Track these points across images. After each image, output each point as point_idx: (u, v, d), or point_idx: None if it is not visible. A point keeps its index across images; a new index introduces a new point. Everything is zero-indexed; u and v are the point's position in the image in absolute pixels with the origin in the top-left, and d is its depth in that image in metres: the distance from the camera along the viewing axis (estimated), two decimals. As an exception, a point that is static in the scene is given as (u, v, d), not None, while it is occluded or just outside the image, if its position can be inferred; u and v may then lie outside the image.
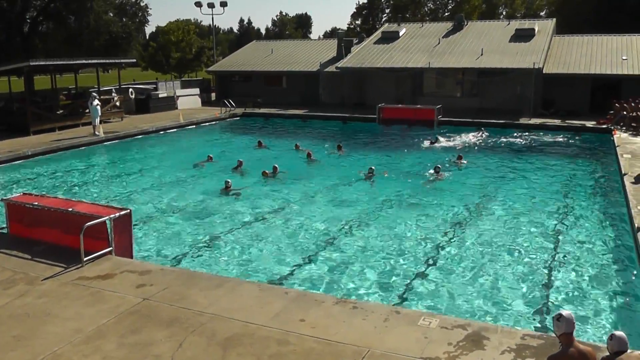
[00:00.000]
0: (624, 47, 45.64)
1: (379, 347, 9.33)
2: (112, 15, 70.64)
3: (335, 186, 24.28)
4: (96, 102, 34.30)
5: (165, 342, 9.52)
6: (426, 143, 33.64)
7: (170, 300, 11.10)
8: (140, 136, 36.13)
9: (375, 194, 22.95)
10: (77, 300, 11.11)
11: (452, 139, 34.71)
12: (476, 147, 33.07)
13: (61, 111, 37.60)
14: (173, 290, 11.53)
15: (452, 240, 17.25)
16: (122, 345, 9.47)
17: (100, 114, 34.54)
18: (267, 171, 25.20)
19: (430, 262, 15.49)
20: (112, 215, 13.42)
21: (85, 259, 12.76)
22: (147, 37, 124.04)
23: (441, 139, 34.08)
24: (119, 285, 11.83)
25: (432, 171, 25.65)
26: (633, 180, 21.40)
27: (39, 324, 10.22)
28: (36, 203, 14.78)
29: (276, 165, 25.75)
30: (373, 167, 25.75)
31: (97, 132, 33.84)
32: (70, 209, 14.02)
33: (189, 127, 40.58)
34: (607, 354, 7.37)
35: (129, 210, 13.97)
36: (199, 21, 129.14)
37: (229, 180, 23.06)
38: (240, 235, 17.77)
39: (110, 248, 13.46)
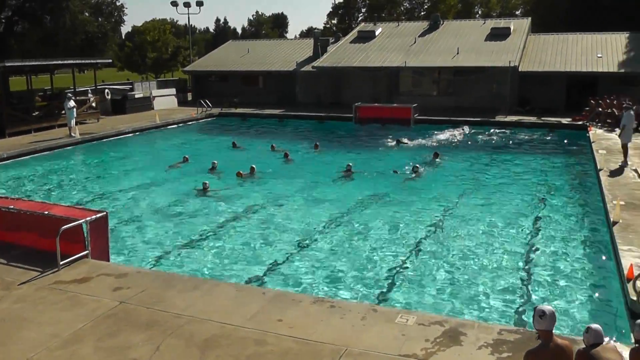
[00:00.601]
0: (599, 45, 46.16)
1: (357, 345, 9.37)
2: (88, 15, 70.27)
3: (312, 185, 24.36)
4: (72, 103, 33.99)
5: (143, 346, 9.50)
6: (393, 143, 33.68)
7: (147, 303, 11.06)
8: (116, 137, 35.92)
9: (353, 192, 22.99)
10: (53, 305, 11.04)
11: (426, 137, 34.87)
12: (453, 145, 33.24)
13: (37, 113, 37.26)
14: (150, 293, 11.50)
15: (429, 238, 17.34)
16: (99, 349, 9.43)
17: (75, 115, 34.25)
18: (242, 172, 25.14)
19: (408, 259, 15.55)
20: (88, 218, 13.32)
21: (61, 262, 12.66)
22: (123, 37, 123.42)
23: (406, 139, 33.94)
24: (96, 288, 11.77)
25: (409, 169, 25.77)
26: (609, 174, 21.67)
27: (15, 329, 10.14)
28: (11, 207, 14.65)
29: (253, 166, 25.74)
30: (350, 164, 25.81)
31: (73, 134, 33.57)
32: (46, 212, 13.93)
33: (166, 127, 40.42)
34: (584, 346, 7.45)
35: (105, 213, 13.89)
36: (175, 21, 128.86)
37: (207, 182, 23.04)
38: (217, 236, 17.76)
39: (87, 251, 13.35)
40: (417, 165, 25.95)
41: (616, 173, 22.45)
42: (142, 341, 9.64)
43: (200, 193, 22.61)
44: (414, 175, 25.14)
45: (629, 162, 23.98)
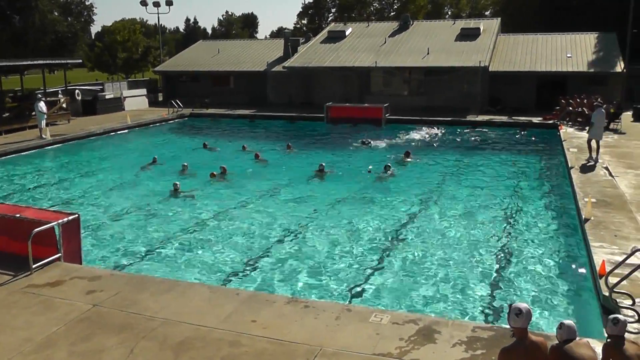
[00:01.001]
0: (569, 45, 46.79)
1: (331, 345, 9.41)
2: (57, 14, 69.59)
3: (285, 185, 24.42)
4: (42, 104, 33.63)
5: (117, 349, 9.47)
6: (358, 143, 33.50)
7: (121, 305, 11.02)
8: (87, 138, 35.64)
9: (326, 192, 23.06)
10: (26, 309, 10.96)
11: (396, 137, 35.03)
12: (424, 144, 33.42)
13: (7, 114, 36.84)
14: (123, 296, 11.45)
15: (402, 237, 17.44)
16: (73, 354, 9.38)
17: (46, 116, 33.89)
18: (214, 172, 25.09)
19: (381, 259, 15.64)
20: (60, 221, 13.22)
21: (33, 266, 12.55)
22: (93, 37, 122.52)
23: (370, 140, 33.68)
24: (69, 292, 11.70)
25: (383, 169, 25.88)
26: (580, 172, 21.95)
27: (-13, 334, 10.07)
28: (-18, 210, 14.52)
29: (224, 166, 25.69)
30: (324, 164, 25.87)
31: (43, 135, 33.22)
32: (17, 215, 13.80)
33: (137, 128, 40.17)
34: (557, 342, 7.56)
35: (77, 215, 13.82)
36: (145, 20, 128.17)
37: (177, 183, 22.98)
38: (190, 237, 17.71)
39: (59, 254, 13.26)
40: (389, 164, 26.05)
41: (587, 171, 22.74)
42: (115, 344, 9.60)
43: (172, 194, 22.54)
44: (387, 174, 25.24)
45: (599, 160, 24.41)
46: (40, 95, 35.26)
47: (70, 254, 13.58)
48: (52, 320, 10.47)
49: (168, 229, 18.54)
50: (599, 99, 31.65)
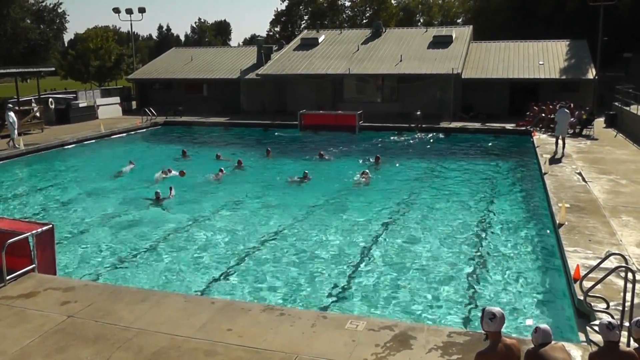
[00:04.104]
0: (540, 52, 47.34)
1: (308, 352, 9.46)
2: (29, 22, 68.99)
3: (263, 191, 24.71)
4: (12, 114, 33.20)
5: (92, 360, 9.44)
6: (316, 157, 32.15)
7: (95, 316, 10.97)
8: (61, 147, 35.37)
9: (304, 199, 23.23)
10: (-1, 321, 10.90)
11: (371, 144, 35.25)
12: (398, 151, 33.60)
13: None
14: (98, 306, 11.40)
15: (377, 242, 17.59)
16: (48, 365, 9.34)
17: (17, 125, 33.44)
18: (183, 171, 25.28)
19: (357, 264, 15.73)
20: (34, 231, 13.11)
21: (7, 277, 12.46)
22: (66, 45, 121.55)
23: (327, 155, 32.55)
24: (43, 303, 11.63)
25: (358, 175, 26.01)
26: (553, 177, 22.17)
27: (-40, 346, 9.98)
28: (-46, 221, 14.39)
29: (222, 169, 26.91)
30: (307, 171, 26.17)
31: (16, 145, 32.79)
32: (-10, 226, 13.71)
33: (111, 137, 39.92)
34: (532, 346, 7.65)
35: (51, 225, 13.73)
36: (117, 28, 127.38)
37: (159, 191, 22.91)
38: (165, 245, 17.69)
39: (33, 265, 13.17)
40: (366, 170, 26.29)
41: (561, 176, 22.98)
42: (90, 355, 9.57)
43: (152, 203, 22.49)
44: (363, 180, 25.38)
45: (564, 155, 27.30)
46: (10, 105, 34.80)
47: (45, 265, 13.49)
48: (26, 332, 10.40)
49: (143, 237, 18.50)
50: (563, 102, 32.77)
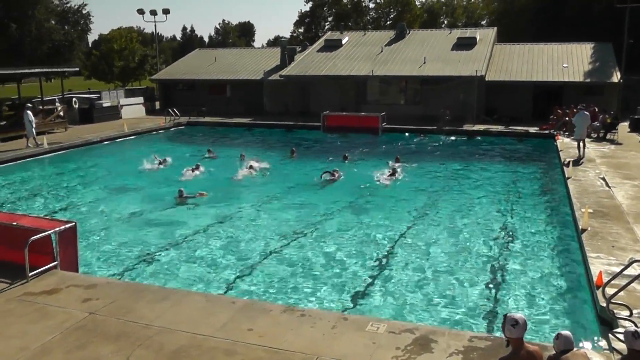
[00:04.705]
0: (565, 55, 46.88)
1: (328, 354, 9.42)
2: (54, 23, 69.52)
3: (287, 191, 24.80)
4: (30, 113, 33.32)
5: (112, 357, 9.46)
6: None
7: (117, 314, 11.02)
8: (84, 147, 35.61)
9: (328, 199, 23.25)
10: (22, 317, 10.95)
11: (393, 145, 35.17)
12: (421, 153, 33.49)
13: (4, 122, 36.79)
14: (119, 304, 11.44)
15: (399, 244, 17.47)
16: (69, 361, 9.38)
17: (34, 125, 33.53)
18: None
19: (380, 266, 15.67)
20: (57, 229, 13.22)
21: (30, 274, 12.55)
22: (90, 45, 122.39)
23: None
24: (65, 300, 11.69)
25: (380, 174, 26.35)
26: (577, 182, 21.96)
27: (-18, 342, 10.05)
28: (-22, 218, 14.50)
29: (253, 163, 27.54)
30: (337, 169, 26.47)
31: (33, 143, 32.88)
32: (14, 223, 13.80)
33: (134, 136, 40.14)
34: (554, 352, 7.55)
35: (74, 223, 13.81)
36: (141, 29, 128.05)
37: (182, 189, 22.97)
38: (188, 244, 17.73)
39: (56, 262, 13.26)
40: (389, 171, 26.69)
41: (584, 181, 22.74)
42: (111, 352, 9.60)
43: (176, 200, 22.58)
44: (386, 180, 25.82)
45: (583, 157, 27.52)
46: (29, 105, 35.00)
47: (67, 262, 13.57)
48: (48, 329, 10.46)
49: (166, 236, 18.56)
50: (580, 105, 32.64)
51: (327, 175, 26.10)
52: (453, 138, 38.04)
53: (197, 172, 27.48)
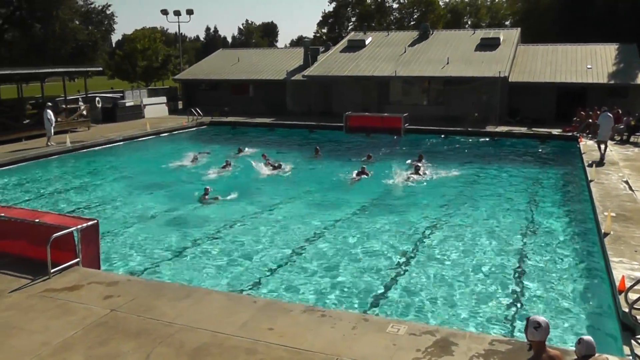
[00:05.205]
0: (589, 56, 46.44)
1: (348, 354, 9.37)
2: (77, 23, 70.04)
3: (313, 191, 24.89)
4: (50, 112, 33.62)
5: (133, 354, 9.48)
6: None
7: (138, 311, 11.05)
8: (107, 145, 35.84)
9: (355, 198, 23.26)
10: (43, 313, 11.02)
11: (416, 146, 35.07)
12: (443, 154, 33.33)
13: (27, 121, 37.12)
14: (140, 301, 11.48)
15: (421, 245, 17.41)
16: (90, 358, 9.40)
17: (53, 125, 33.79)
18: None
19: (400, 268, 15.59)
20: (79, 226, 13.30)
21: (52, 270, 12.64)
22: (114, 45, 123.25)
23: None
24: (86, 296, 11.75)
25: (409, 174, 26.60)
26: (599, 185, 21.77)
27: (4, 338, 10.11)
28: (2, 214, 14.58)
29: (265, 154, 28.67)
30: (364, 166, 26.65)
31: (50, 143, 33.22)
32: (37, 220, 13.88)
33: (156, 135, 40.35)
34: (575, 357, 7.48)
35: (96, 221, 13.87)
36: (165, 29, 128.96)
37: (208, 187, 23.05)
38: (210, 242, 17.77)
39: (78, 259, 13.34)
40: (419, 164, 27.41)
41: (607, 184, 22.50)
42: (132, 349, 9.62)
43: (200, 199, 22.66)
44: (414, 176, 26.29)
45: (604, 158, 27.40)
46: (49, 104, 35.21)
47: (89, 259, 13.65)
48: (69, 324, 10.51)
49: (187, 234, 18.61)
50: (603, 107, 32.25)
51: (359, 169, 26.52)
52: (475, 139, 37.85)
53: (226, 170, 27.93)
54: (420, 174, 26.61)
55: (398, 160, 30.34)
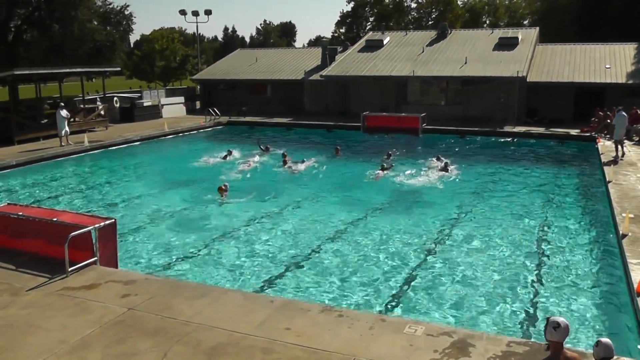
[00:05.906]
0: (607, 56, 46.06)
1: (365, 355, 9.34)
2: (96, 23, 70.31)
3: (334, 189, 24.94)
4: (64, 112, 33.70)
5: (150, 352, 9.50)
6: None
7: (155, 310, 11.07)
8: (125, 145, 35.99)
9: (370, 197, 23.31)
10: (61, 311, 11.06)
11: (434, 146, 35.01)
12: (461, 154, 33.21)
13: (46, 120, 37.33)
14: (158, 300, 11.50)
15: (439, 245, 17.38)
16: (107, 356, 9.43)
17: (67, 124, 33.83)
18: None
19: (418, 268, 15.54)
20: (96, 225, 13.35)
21: (69, 269, 12.69)
22: (132, 46, 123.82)
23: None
24: (104, 295, 11.78)
25: (437, 169, 27.16)
26: (618, 186, 21.59)
27: (22, 335, 10.16)
28: (20, 213, 14.68)
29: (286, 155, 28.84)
30: (384, 164, 26.81)
31: (63, 144, 33.40)
32: (54, 219, 13.96)
33: (174, 135, 40.47)
34: None
35: (113, 220, 13.91)
36: (183, 29, 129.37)
37: (226, 184, 23.14)
38: (228, 241, 17.79)
39: (95, 258, 13.38)
40: (447, 162, 27.74)
41: (625, 185, 22.33)
42: (149, 348, 9.64)
43: (218, 197, 22.72)
44: (443, 171, 26.92)
45: (622, 157, 28.02)
46: (62, 104, 35.34)
47: (106, 258, 13.69)
48: (87, 323, 10.54)
49: (204, 233, 18.65)
50: (619, 107, 31.89)
51: (380, 167, 26.84)
52: (493, 139, 37.72)
53: (248, 166, 28.51)
54: (447, 171, 26.88)
55: (416, 160, 30.30)
